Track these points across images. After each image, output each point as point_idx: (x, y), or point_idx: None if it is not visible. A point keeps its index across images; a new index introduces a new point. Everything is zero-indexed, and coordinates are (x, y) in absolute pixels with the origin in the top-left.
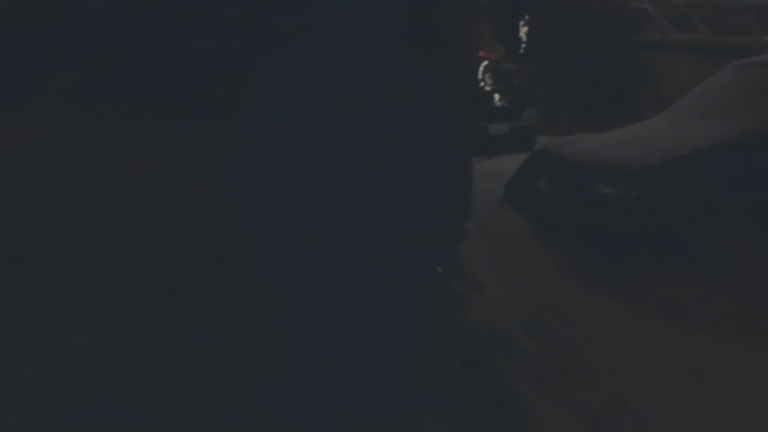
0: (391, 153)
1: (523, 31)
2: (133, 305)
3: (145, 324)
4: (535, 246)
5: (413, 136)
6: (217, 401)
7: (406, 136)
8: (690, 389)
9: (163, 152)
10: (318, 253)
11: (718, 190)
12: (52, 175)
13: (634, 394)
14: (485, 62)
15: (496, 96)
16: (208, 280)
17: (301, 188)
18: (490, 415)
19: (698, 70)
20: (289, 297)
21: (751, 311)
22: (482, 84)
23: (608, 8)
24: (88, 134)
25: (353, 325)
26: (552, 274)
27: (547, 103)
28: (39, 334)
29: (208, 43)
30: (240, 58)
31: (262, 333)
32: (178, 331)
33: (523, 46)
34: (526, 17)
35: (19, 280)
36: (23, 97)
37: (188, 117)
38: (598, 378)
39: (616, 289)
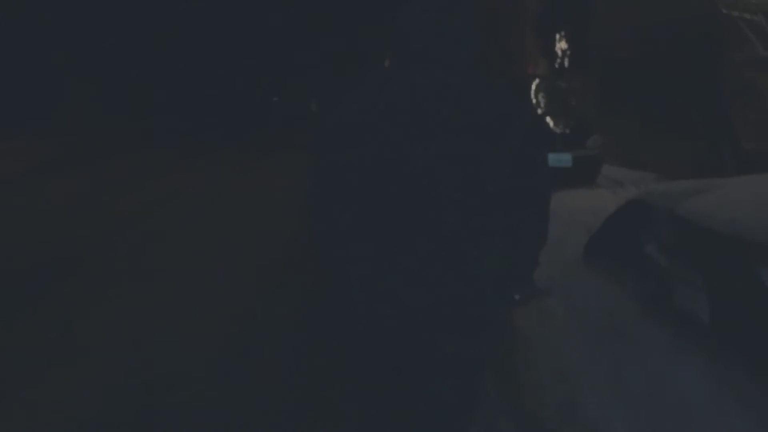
0: (473, 183)
1: (570, 40)
2: None
3: None
4: (645, 342)
5: (497, 167)
6: None
7: (490, 167)
8: None
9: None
10: (399, 282)
11: None
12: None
13: None
14: (536, 80)
15: (554, 120)
16: None
17: (385, 218)
18: None
19: None
20: (368, 324)
21: None
22: (536, 106)
23: (694, 17)
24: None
25: (433, 354)
26: (675, 392)
27: (608, 126)
28: None
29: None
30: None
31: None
32: None
33: (571, 58)
34: (575, 24)
35: None
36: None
37: (219, 133)
38: None
39: None
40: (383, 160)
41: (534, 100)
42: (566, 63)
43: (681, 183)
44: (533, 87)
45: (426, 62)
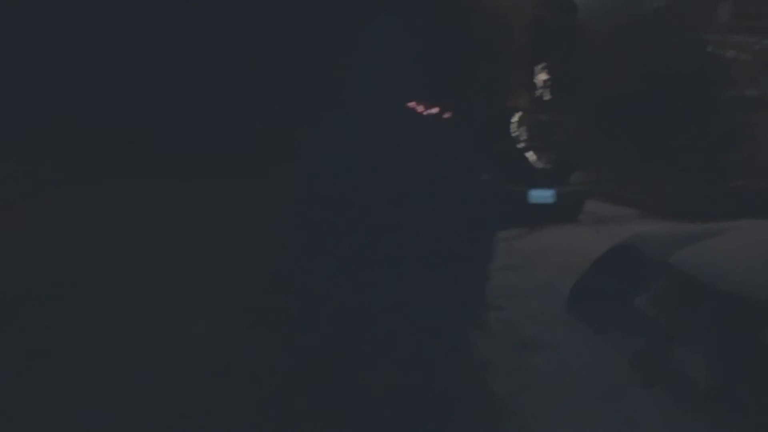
0: (426, 214)
1: (555, 74)
2: None
3: None
4: (636, 406)
5: (441, 198)
6: None
7: (436, 199)
8: None
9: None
10: (359, 304)
11: None
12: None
13: None
14: (518, 113)
15: (536, 155)
16: None
17: (345, 253)
18: None
19: None
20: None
21: None
22: (517, 140)
23: (682, 54)
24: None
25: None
26: None
27: (591, 162)
28: None
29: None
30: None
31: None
32: None
33: (555, 91)
34: (560, 58)
35: None
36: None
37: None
38: None
39: None
40: (344, 201)
41: (514, 134)
42: (549, 96)
43: (674, 228)
44: (514, 120)
45: (369, 107)
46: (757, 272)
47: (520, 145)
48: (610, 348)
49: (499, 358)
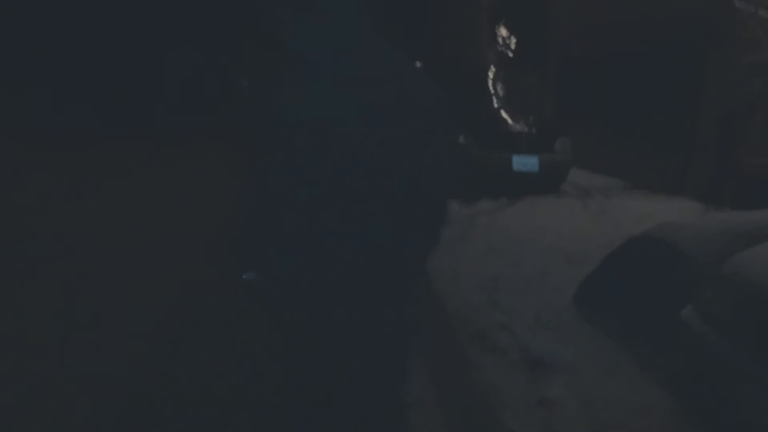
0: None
1: (525, 29)
2: None
3: None
4: None
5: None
6: None
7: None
8: None
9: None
10: (317, 252)
11: None
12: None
13: None
14: (492, 70)
15: (516, 118)
16: None
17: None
18: None
19: None
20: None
21: None
22: (495, 100)
23: (701, 11)
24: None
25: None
26: None
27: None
28: None
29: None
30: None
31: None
32: None
33: (532, 50)
34: (536, 12)
35: None
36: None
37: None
38: None
39: None
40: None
41: (492, 94)
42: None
43: (705, 219)
44: (489, 78)
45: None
46: None
47: (498, 106)
48: (633, 364)
49: (507, 385)
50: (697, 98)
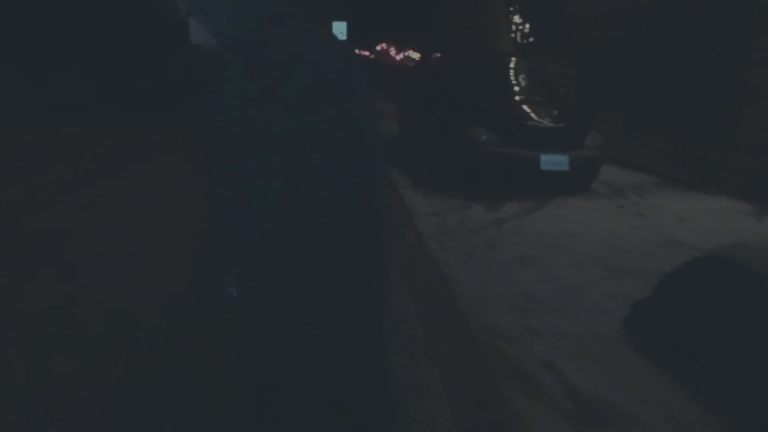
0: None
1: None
2: None
3: None
4: None
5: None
6: None
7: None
8: None
9: None
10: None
11: None
12: None
13: None
14: (513, 58)
15: (544, 112)
16: None
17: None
18: None
19: None
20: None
21: None
22: (519, 92)
23: None
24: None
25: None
26: None
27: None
28: None
29: None
30: None
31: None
32: None
33: (551, 37)
34: None
35: None
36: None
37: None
38: None
39: None
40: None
41: (513, 86)
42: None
43: None
44: (512, 67)
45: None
46: None
47: (522, 100)
48: (699, 408)
49: None
50: (739, 85)
